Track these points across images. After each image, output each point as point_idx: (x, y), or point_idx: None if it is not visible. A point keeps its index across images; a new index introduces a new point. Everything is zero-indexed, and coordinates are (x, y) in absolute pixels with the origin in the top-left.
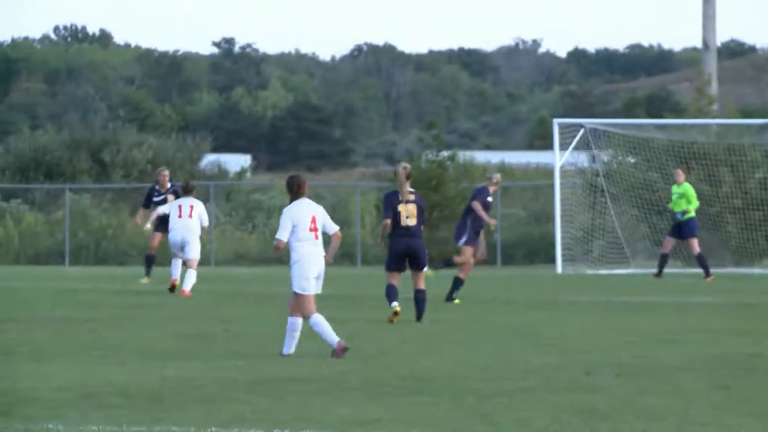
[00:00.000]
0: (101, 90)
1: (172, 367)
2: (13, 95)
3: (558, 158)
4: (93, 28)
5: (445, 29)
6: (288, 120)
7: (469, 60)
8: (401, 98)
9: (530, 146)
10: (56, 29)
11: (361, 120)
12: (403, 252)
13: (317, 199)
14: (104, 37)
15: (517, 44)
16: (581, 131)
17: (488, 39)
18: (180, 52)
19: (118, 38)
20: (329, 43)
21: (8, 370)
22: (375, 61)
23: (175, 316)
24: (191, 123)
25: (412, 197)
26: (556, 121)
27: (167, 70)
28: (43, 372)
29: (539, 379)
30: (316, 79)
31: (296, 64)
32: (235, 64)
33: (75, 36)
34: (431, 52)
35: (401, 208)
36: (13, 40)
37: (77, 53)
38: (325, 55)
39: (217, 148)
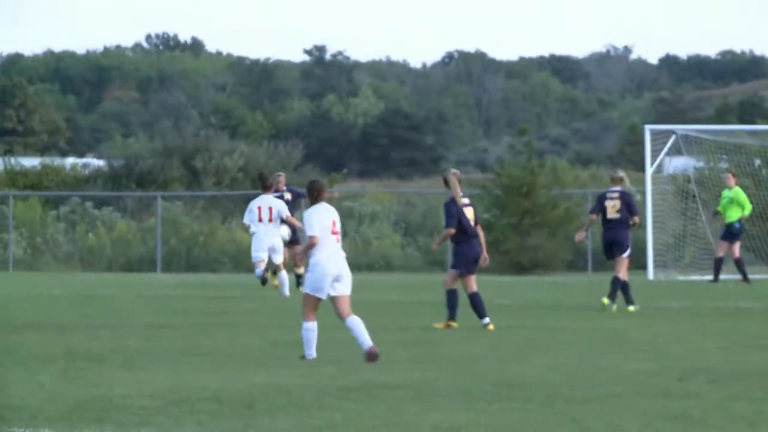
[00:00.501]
0: (193, 98)
1: (264, 374)
2: (105, 103)
3: (649, 165)
4: (185, 36)
5: (536, 36)
6: (379, 127)
7: (559, 66)
8: (492, 105)
9: (621, 153)
10: (148, 37)
11: (452, 127)
12: (476, 256)
13: (408, 206)
14: (196, 45)
15: (608, 51)
16: (673, 137)
17: (579, 46)
18: (271, 60)
19: (210, 46)
20: (420, 50)
21: (101, 377)
22: (466, 68)
23: (267, 323)
24: (282, 130)
25: (467, 201)
26: (647, 128)
27: (258, 78)
28: (135, 379)
29: (631, 385)
30: (407, 87)
31: (387, 71)
32: (326, 72)
33: (167, 44)
34: (522, 59)
35: (467, 212)
36: (105, 49)
37: (169, 61)
38: (416, 63)
39: (309, 156)
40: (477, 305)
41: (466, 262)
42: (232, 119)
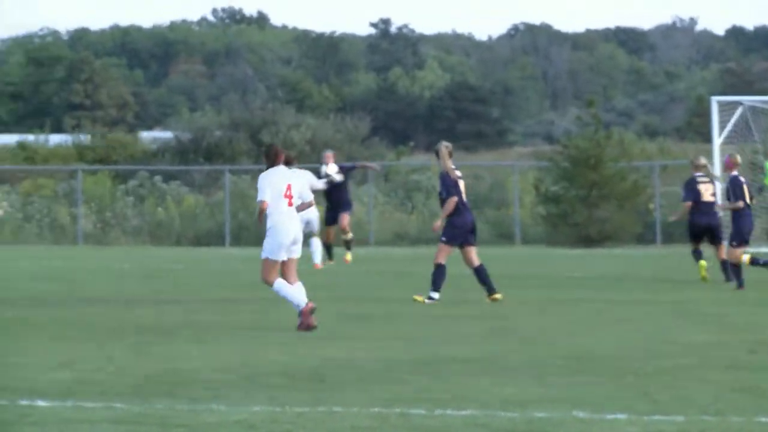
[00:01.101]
0: (259, 71)
1: (333, 348)
2: (172, 77)
3: (717, 136)
4: (250, 10)
5: (601, 8)
6: (445, 100)
7: (625, 38)
8: (558, 77)
9: (689, 125)
10: (214, 11)
11: (518, 99)
12: (471, 227)
13: (475, 179)
14: (261, 19)
15: (674, 22)
16: (740, 109)
17: (645, 17)
18: (337, 33)
19: (275, 19)
20: (485, 22)
21: (171, 352)
22: (532, 40)
23: (336, 296)
24: (348, 104)
25: (459, 173)
26: (714, 99)
27: (325, 51)
28: (206, 353)
29: (700, 357)
30: (472, 59)
31: (452, 44)
32: (391, 45)
33: (233, 18)
34: (588, 31)
35: (460, 184)
36: (171, 23)
37: (235, 35)
38: (481, 35)
39: (375, 129)
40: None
41: (461, 235)
42: (298, 93)
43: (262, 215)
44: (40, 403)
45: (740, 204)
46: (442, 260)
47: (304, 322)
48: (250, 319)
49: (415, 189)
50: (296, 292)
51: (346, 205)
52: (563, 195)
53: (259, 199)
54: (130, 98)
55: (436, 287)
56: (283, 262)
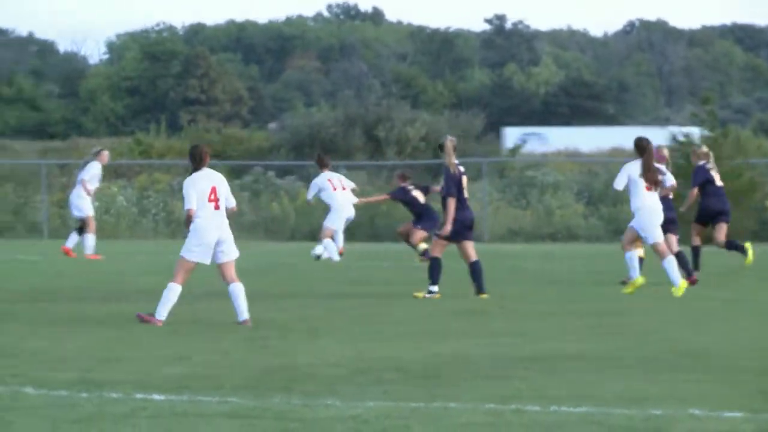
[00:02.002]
0: (374, 67)
1: (448, 344)
2: (288, 72)
3: None
4: (365, 6)
5: (718, 4)
6: (560, 96)
7: (742, 35)
8: (674, 74)
9: None
10: (329, 7)
11: (633, 96)
12: (470, 223)
13: (591, 176)
14: (376, 14)
15: None
16: None
17: (762, 14)
18: (452, 29)
19: (390, 15)
20: (601, 19)
21: (287, 347)
22: (647, 37)
23: (449, 292)
24: (463, 100)
25: (462, 169)
26: None
27: (439, 47)
28: (320, 348)
29: None
30: (587, 56)
31: (568, 40)
32: (506, 41)
33: (348, 13)
34: (704, 28)
35: (464, 180)
36: (287, 18)
37: (350, 30)
38: (596, 31)
39: (490, 125)
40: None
41: (460, 231)
42: (412, 89)
43: (189, 223)
44: (155, 396)
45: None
46: (437, 254)
47: (145, 319)
48: (363, 314)
49: (530, 185)
50: (171, 303)
51: (425, 221)
52: (680, 192)
53: (186, 207)
54: (245, 93)
55: (433, 281)
56: (220, 265)
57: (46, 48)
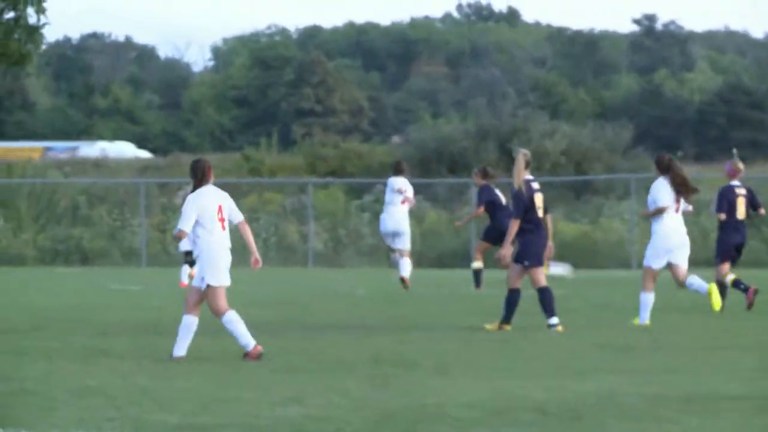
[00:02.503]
0: (509, 73)
1: (591, 381)
2: (413, 79)
3: None
4: (499, 5)
5: None
6: (717, 105)
7: None
8: None
9: None
10: (459, 7)
11: None
12: (544, 246)
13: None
14: (511, 15)
15: None
16: None
17: None
18: (596, 31)
19: (527, 16)
20: (763, 18)
21: (412, 384)
22: None
23: (593, 324)
24: (609, 109)
25: (537, 185)
26: None
27: (582, 51)
28: (451, 386)
29: None
30: (748, 59)
31: (725, 42)
32: (657, 43)
33: (479, 14)
34: None
35: (536, 198)
36: (412, 20)
37: (482, 32)
38: (757, 32)
39: (639, 138)
40: (546, 301)
41: (536, 254)
42: (552, 96)
43: (177, 241)
44: None
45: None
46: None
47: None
48: (499, 348)
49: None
50: (245, 331)
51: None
52: None
53: (179, 227)
54: (366, 103)
55: (550, 312)
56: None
57: (145, 54)
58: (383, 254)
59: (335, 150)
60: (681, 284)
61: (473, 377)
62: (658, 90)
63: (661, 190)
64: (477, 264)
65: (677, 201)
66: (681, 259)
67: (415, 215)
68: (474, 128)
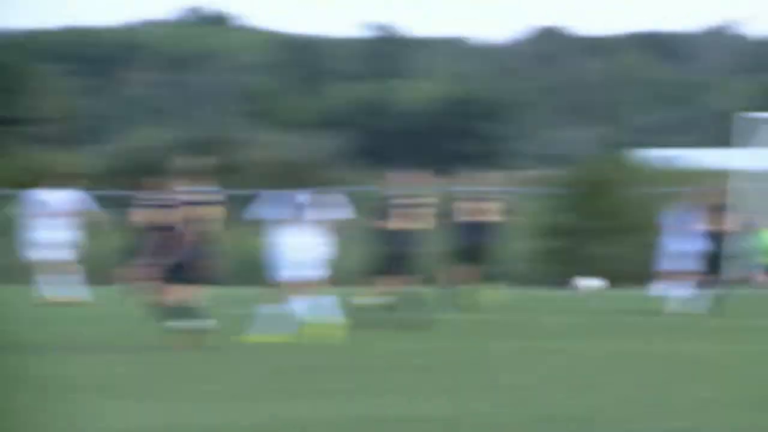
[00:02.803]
0: (220, 80)
1: (268, 405)
2: (113, 87)
3: (736, 158)
4: (215, 10)
5: (625, 13)
6: (445, 115)
7: (650, 45)
8: (575, 90)
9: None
10: (172, 11)
11: (530, 115)
12: None
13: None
14: (227, 20)
15: (709, 29)
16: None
17: (676, 22)
18: (318, 37)
19: (241, 20)
20: (494, 27)
21: (75, 407)
22: (547, 48)
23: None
24: (332, 119)
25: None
26: (739, 116)
27: (302, 58)
28: (115, 409)
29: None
30: (477, 69)
31: (454, 51)
32: (384, 51)
33: (197, 19)
34: (610, 37)
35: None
36: (126, 24)
37: (198, 37)
38: (488, 41)
39: (361, 149)
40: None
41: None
42: (268, 105)
43: None
44: None
45: None
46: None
47: None
48: (171, 372)
49: None
50: None
51: None
52: (573, 226)
53: None
54: (70, 110)
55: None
56: None
57: None
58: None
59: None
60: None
61: (143, 400)
62: (386, 99)
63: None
64: None
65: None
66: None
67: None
68: (176, 138)
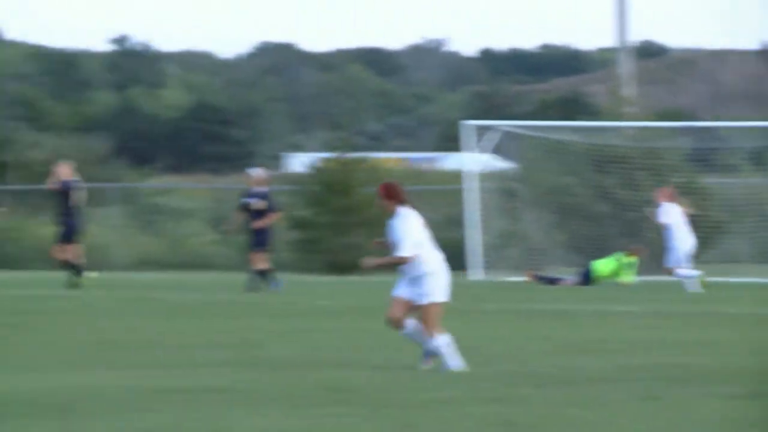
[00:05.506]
0: None
1: (80, 376)
2: None
3: (467, 162)
4: None
5: (349, 28)
6: (189, 120)
7: (374, 59)
8: (306, 99)
9: (441, 148)
10: None
11: (265, 121)
12: None
13: (217, 203)
14: None
15: (423, 43)
16: (492, 134)
17: (394, 37)
18: (74, 50)
19: (10, 34)
20: (229, 41)
21: None
22: (278, 60)
23: (84, 322)
24: (90, 123)
25: None
26: (464, 123)
27: (62, 68)
28: None
29: (460, 389)
30: (217, 79)
31: (196, 62)
32: (131, 62)
33: None
34: (336, 51)
35: None
36: None
37: None
38: (226, 54)
39: (119, 150)
40: None
41: None
42: (35, 110)
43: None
44: None
45: None
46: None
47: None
48: None
49: (158, 212)
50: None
51: None
52: (313, 220)
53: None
54: None
55: None
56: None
57: None
58: None
59: None
60: None
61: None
62: (132, 106)
63: None
64: None
65: None
66: None
67: None
68: None
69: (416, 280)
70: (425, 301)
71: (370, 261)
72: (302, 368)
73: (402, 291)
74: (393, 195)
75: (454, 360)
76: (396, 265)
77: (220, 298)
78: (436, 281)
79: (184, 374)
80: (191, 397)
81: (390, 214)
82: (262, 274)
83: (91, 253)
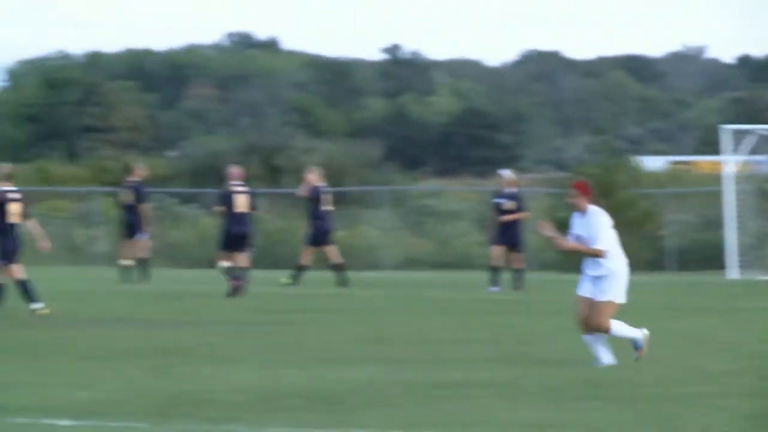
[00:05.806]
0: (271, 96)
1: (351, 370)
2: (185, 101)
3: (727, 164)
4: (261, 35)
5: (611, 36)
6: (457, 126)
7: (635, 66)
8: (568, 104)
9: (697, 152)
10: (227, 36)
11: (529, 126)
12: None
13: (486, 205)
14: (272, 44)
15: (683, 50)
16: (751, 138)
17: (654, 45)
18: (347, 59)
19: (286, 44)
20: (496, 49)
21: (189, 373)
22: (542, 67)
23: (351, 320)
24: (361, 129)
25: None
26: (723, 128)
27: (336, 76)
28: (223, 375)
29: (716, 384)
30: (483, 86)
31: (463, 70)
32: (402, 70)
33: (245, 42)
34: (598, 58)
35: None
36: (186, 46)
37: (247, 59)
38: (492, 62)
39: (389, 155)
40: (28, 291)
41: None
42: (310, 117)
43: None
44: (62, 422)
45: None
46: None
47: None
48: (266, 341)
49: (428, 214)
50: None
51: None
52: None
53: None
54: (144, 121)
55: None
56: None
57: None
58: (164, 256)
59: (118, 162)
60: None
61: (244, 366)
62: (403, 112)
63: None
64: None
65: None
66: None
67: (190, 221)
68: (241, 145)
69: (599, 278)
70: (604, 298)
71: (566, 243)
72: (565, 365)
73: (585, 289)
74: (588, 192)
75: (608, 356)
76: (588, 255)
77: (487, 296)
78: (618, 282)
79: (453, 369)
80: (458, 393)
81: (581, 209)
82: (494, 270)
83: (360, 253)
